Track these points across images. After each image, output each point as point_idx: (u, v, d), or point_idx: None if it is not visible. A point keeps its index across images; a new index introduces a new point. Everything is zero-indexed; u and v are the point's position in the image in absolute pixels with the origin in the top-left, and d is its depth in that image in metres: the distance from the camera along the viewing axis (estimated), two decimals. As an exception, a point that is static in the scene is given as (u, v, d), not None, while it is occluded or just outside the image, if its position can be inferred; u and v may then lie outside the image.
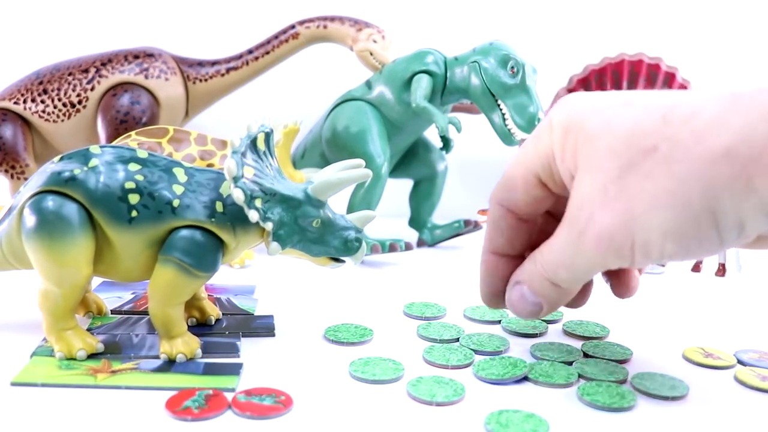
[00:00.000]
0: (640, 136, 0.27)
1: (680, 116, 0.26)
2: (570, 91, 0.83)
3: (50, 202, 0.33)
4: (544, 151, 0.31)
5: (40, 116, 0.70)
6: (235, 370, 0.34)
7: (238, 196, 0.32)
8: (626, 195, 0.26)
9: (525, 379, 0.35)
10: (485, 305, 0.39)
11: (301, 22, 0.73)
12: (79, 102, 0.70)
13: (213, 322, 0.41)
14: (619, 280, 0.35)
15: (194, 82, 0.73)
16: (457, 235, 0.69)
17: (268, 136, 0.35)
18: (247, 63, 0.73)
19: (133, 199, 0.34)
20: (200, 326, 0.40)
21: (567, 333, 0.42)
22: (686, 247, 0.26)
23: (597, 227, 0.27)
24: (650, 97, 0.28)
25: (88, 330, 0.39)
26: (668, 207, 0.25)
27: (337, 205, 0.42)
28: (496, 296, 0.35)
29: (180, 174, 0.35)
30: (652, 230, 0.26)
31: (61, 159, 0.35)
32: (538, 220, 0.35)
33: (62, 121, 0.70)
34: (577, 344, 0.40)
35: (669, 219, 0.25)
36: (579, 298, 0.36)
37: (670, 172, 0.25)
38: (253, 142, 0.34)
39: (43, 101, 0.70)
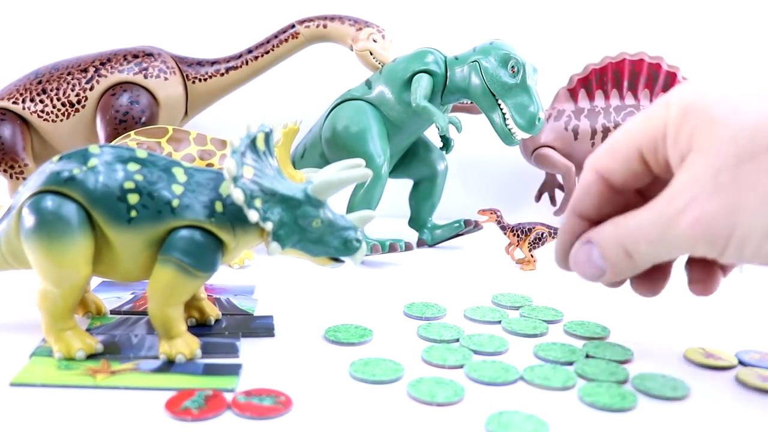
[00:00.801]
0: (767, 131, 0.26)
1: None
2: (570, 90, 0.83)
3: (49, 202, 0.33)
4: (655, 127, 0.30)
5: (39, 116, 0.70)
6: (234, 370, 0.34)
7: (238, 196, 0.32)
8: (738, 186, 0.26)
9: (522, 381, 0.35)
10: (484, 306, 0.39)
11: (301, 22, 0.73)
12: (78, 102, 0.69)
13: (212, 323, 0.40)
14: (701, 275, 0.34)
15: (194, 82, 0.73)
16: (458, 235, 0.69)
17: (267, 135, 0.35)
18: (247, 62, 0.73)
19: (133, 199, 0.34)
20: (200, 326, 0.40)
21: (568, 333, 0.42)
22: None
23: (698, 210, 0.27)
24: None
25: (87, 330, 0.39)
26: None
27: (337, 205, 0.41)
28: (565, 260, 0.35)
29: (179, 174, 0.35)
30: (755, 227, 0.25)
31: (60, 159, 0.35)
32: (629, 195, 0.34)
33: (61, 120, 0.70)
34: (578, 344, 0.40)
35: None
36: (654, 285, 0.35)
37: None
38: (253, 142, 0.34)
39: (42, 101, 0.69)
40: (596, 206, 0.33)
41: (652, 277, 0.35)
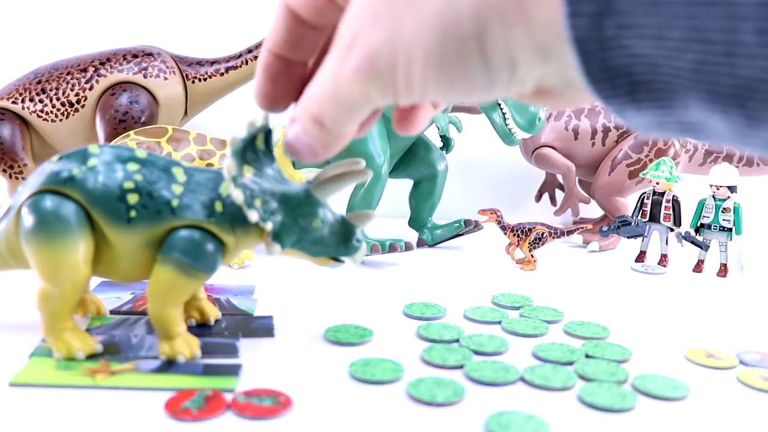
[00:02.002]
0: None
1: None
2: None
3: (48, 202, 0.33)
4: None
5: (38, 116, 0.70)
6: (234, 370, 0.34)
7: (238, 196, 0.32)
8: (394, 12, 0.23)
9: (522, 381, 0.35)
10: (484, 306, 0.39)
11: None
12: (78, 101, 0.69)
13: (212, 323, 0.40)
14: (402, 113, 0.30)
15: (193, 82, 0.73)
16: (458, 235, 0.69)
17: (267, 135, 0.35)
18: (247, 62, 0.73)
19: (132, 199, 0.34)
20: (199, 327, 0.40)
21: (568, 333, 0.42)
22: (450, 78, 0.23)
23: (362, 47, 0.24)
24: None
25: (87, 330, 0.38)
26: (435, 27, 0.22)
27: (337, 205, 0.41)
28: (262, 97, 0.31)
29: (179, 174, 0.35)
30: (415, 53, 0.23)
31: (60, 159, 0.35)
32: (327, 33, 0.30)
33: (60, 120, 0.70)
34: (578, 344, 0.40)
35: (433, 41, 0.22)
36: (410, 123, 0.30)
37: None
38: (253, 142, 0.34)
39: (41, 101, 0.69)
40: (287, 42, 0.29)
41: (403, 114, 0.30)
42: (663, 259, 0.65)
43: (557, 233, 0.61)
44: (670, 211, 0.64)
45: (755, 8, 0.16)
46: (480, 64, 0.22)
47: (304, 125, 0.28)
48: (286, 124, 0.31)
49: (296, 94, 0.31)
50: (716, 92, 0.18)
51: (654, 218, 0.65)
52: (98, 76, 0.70)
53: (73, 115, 0.70)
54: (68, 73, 0.70)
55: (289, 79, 0.30)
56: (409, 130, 0.30)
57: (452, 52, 0.22)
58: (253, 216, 0.32)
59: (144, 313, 0.42)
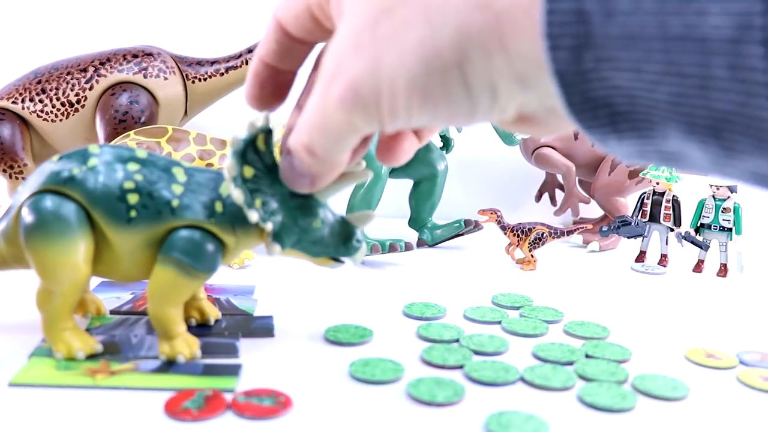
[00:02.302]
0: None
1: None
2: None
3: (49, 202, 0.33)
4: None
5: (38, 116, 0.70)
6: (234, 371, 0.34)
7: (238, 196, 0.32)
8: (378, 43, 0.23)
9: (522, 381, 0.35)
10: (484, 306, 0.39)
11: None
12: (78, 101, 0.69)
13: (212, 323, 0.40)
14: (386, 145, 0.31)
15: (193, 82, 0.73)
16: (458, 235, 0.69)
17: (268, 135, 0.35)
18: (247, 62, 0.73)
19: (132, 199, 0.34)
20: (199, 327, 0.40)
21: (568, 333, 0.42)
22: (434, 105, 0.23)
23: (345, 77, 0.24)
24: None
25: (87, 330, 0.38)
26: (418, 56, 0.22)
27: (337, 205, 0.41)
28: (252, 98, 0.32)
29: (179, 174, 0.35)
30: (398, 81, 0.23)
31: (60, 158, 0.35)
32: (313, 48, 0.31)
33: (60, 120, 0.70)
34: (578, 345, 0.40)
35: (416, 69, 0.23)
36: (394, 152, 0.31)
37: (427, 19, 0.22)
38: (253, 142, 0.34)
39: (41, 100, 0.69)
40: (276, 53, 0.31)
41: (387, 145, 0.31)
42: (663, 259, 0.65)
43: (557, 233, 0.61)
44: (670, 211, 0.64)
45: (726, 44, 0.16)
46: (462, 90, 0.22)
47: (297, 153, 0.28)
48: (285, 123, 0.32)
49: (282, 99, 0.32)
50: (693, 123, 0.18)
51: (654, 218, 0.65)
52: (98, 76, 0.70)
53: (73, 115, 0.70)
54: (68, 73, 0.70)
55: (276, 85, 0.31)
56: (393, 161, 0.31)
57: (435, 80, 0.23)
58: (253, 216, 0.32)
59: (144, 313, 0.42)
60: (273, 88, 0.31)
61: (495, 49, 0.21)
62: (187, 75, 0.73)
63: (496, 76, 0.22)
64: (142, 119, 0.69)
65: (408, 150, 0.31)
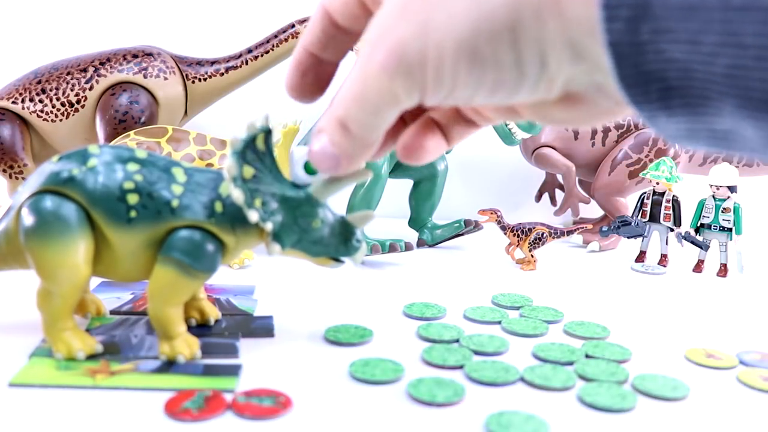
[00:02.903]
0: None
1: None
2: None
3: (48, 202, 0.33)
4: None
5: (38, 116, 0.70)
6: (234, 371, 0.34)
7: (238, 196, 0.32)
8: (428, 4, 0.23)
9: (522, 381, 0.35)
10: (484, 306, 0.39)
11: (301, 21, 0.73)
12: (78, 101, 0.69)
13: (212, 323, 0.40)
14: (411, 141, 0.30)
15: (193, 82, 0.73)
16: (458, 235, 0.69)
17: (267, 135, 0.35)
18: (247, 62, 0.73)
19: (132, 199, 0.34)
20: (199, 327, 0.40)
21: (568, 333, 0.42)
22: (480, 72, 0.23)
23: (388, 41, 0.23)
24: None
25: (87, 330, 0.38)
26: (469, 18, 0.22)
27: (337, 205, 0.41)
28: (291, 88, 0.32)
29: (179, 174, 0.35)
30: (446, 44, 0.22)
31: (60, 159, 0.35)
32: (358, 38, 0.31)
33: (60, 120, 0.70)
34: (578, 345, 0.40)
35: (466, 30, 0.22)
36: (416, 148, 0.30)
37: None
38: (253, 142, 0.34)
39: (41, 101, 0.69)
40: (320, 41, 0.30)
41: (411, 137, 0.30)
42: (663, 259, 0.65)
43: (557, 233, 0.61)
44: (670, 211, 0.64)
45: None
46: (511, 57, 0.22)
47: (329, 133, 0.27)
48: (286, 123, 0.32)
49: (321, 91, 0.31)
50: (749, 98, 0.18)
51: (654, 218, 0.65)
52: (98, 76, 0.70)
53: (73, 115, 0.70)
54: (68, 73, 0.70)
55: (317, 76, 0.31)
56: (415, 160, 0.30)
57: (484, 44, 0.22)
58: (253, 216, 0.33)
59: (144, 313, 0.42)
60: (314, 78, 0.31)
61: (550, 14, 0.20)
62: (187, 75, 0.73)
63: (548, 42, 0.21)
64: (142, 119, 0.69)
65: (432, 150, 0.30)
